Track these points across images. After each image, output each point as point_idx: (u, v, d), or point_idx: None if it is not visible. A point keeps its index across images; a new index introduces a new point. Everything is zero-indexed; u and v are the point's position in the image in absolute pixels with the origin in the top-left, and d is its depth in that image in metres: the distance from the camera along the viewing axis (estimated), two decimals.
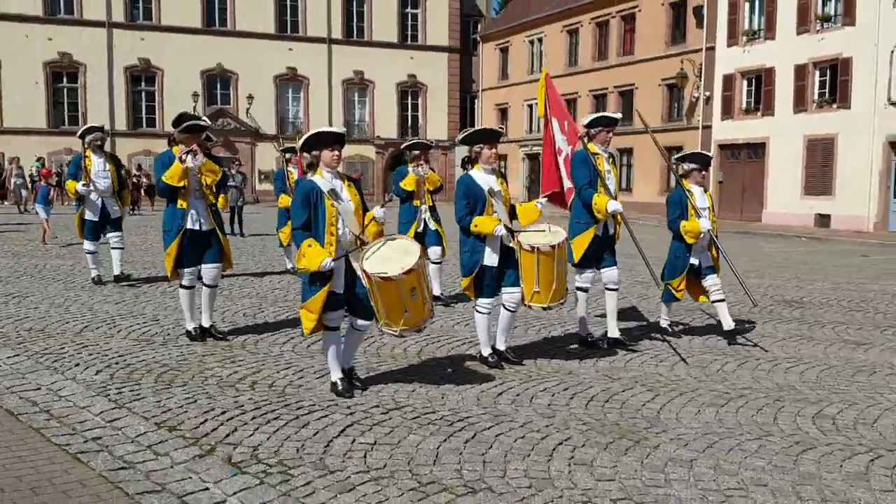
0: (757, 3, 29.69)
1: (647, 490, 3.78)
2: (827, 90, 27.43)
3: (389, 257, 5.32)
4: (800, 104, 28.03)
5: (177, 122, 7.07)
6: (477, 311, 6.42)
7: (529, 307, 6.48)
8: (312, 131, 5.56)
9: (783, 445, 4.46)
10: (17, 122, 37.81)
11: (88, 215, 10.20)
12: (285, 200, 11.13)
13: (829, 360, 6.76)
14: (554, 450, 4.30)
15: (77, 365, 5.91)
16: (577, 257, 7.00)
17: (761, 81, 29.46)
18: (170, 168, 6.89)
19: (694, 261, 7.49)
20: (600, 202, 6.77)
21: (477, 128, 6.67)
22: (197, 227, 7.06)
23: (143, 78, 40.44)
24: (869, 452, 4.38)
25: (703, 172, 7.60)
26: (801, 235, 24.40)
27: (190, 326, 7.17)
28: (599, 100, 36.88)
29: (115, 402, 4.94)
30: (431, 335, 7.33)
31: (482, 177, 6.29)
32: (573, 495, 3.69)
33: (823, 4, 27.46)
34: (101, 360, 6.11)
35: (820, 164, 27.61)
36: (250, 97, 41.56)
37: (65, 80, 39.14)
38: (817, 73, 27.67)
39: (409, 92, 45.42)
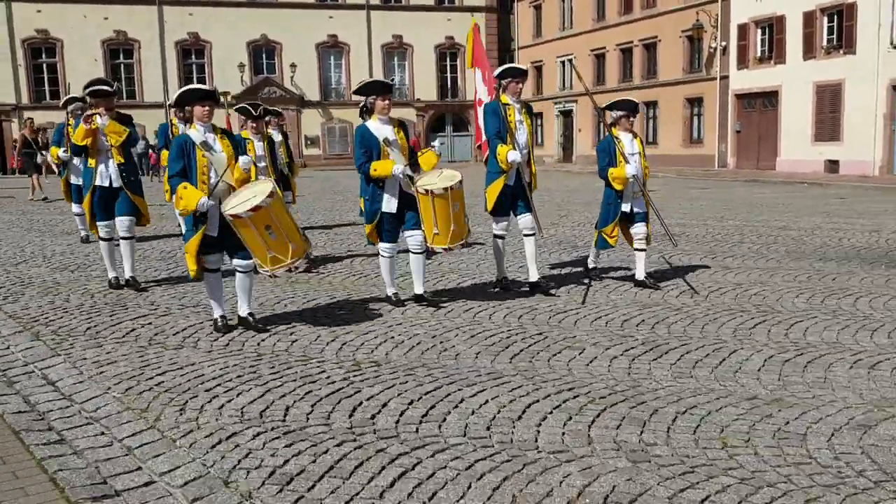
0: None
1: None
2: (834, 36, 27.57)
3: (245, 196, 5.79)
4: (809, 51, 28.24)
5: (87, 86, 7.85)
6: (381, 256, 6.94)
7: (433, 250, 6.88)
8: (183, 88, 6.14)
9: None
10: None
11: (73, 179, 10.92)
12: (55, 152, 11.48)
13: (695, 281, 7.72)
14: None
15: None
16: (489, 206, 7.29)
17: (773, 30, 29.69)
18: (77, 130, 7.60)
19: (625, 207, 7.58)
20: (501, 152, 6.97)
21: (369, 79, 6.97)
22: (106, 184, 7.74)
23: (192, 51, 42.85)
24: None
25: (631, 118, 7.65)
26: (805, 181, 24.90)
27: (111, 275, 7.95)
28: (626, 54, 37.42)
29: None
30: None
31: (378, 127, 6.62)
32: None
33: None
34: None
35: (828, 110, 27.87)
36: (293, 65, 43.52)
37: (121, 56, 41.88)
38: (825, 19, 27.81)
39: (448, 54, 46.62)
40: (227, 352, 5.54)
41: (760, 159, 30.72)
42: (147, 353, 5.51)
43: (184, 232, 6.25)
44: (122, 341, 5.83)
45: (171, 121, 11.36)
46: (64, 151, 10.83)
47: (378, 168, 6.52)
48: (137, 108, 36.25)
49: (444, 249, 6.86)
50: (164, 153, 10.68)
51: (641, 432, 3.96)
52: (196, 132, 5.98)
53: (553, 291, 7.43)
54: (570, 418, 4.17)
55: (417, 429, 4.05)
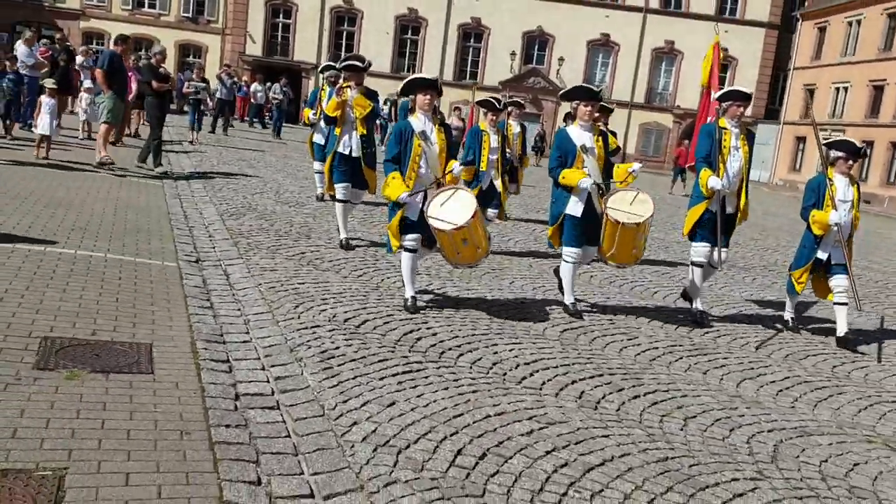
0: None
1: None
2: None
3: (451, 207, 5.96)
4: None
5: (343, 60, 8.55)
6: (564, 261, 6.75)
7: (606, 262, 6.85)
8: (410, 77, 6.30)
9: None
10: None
11: (317, 138, 11.82)
12: (307, 113, 12.27)
13: None
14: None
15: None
16: (686, 229, 7.07)
17: None
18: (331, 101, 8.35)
19: (822, 255, 7.05)
20: (703, 177, 6.72)
21: (576, 85, 6.89)
22: (346, 152, 8.33)
23: (472, 35, 45.72)
24: None
25: (850, 162, 7.07)
26: None
27: (343, 236, 8.43)
28: None
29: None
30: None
31: (577, 132, 6.56)
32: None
33: None
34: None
35: None
36: (561, 59, 44.99)
37: (409, 32, 45.73)
38: None
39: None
40: (357, 280, 7.12)
41: None
42: (301, 269, 7.24)
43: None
44: (290, 258, 7.63)
45: (322, 86, 12.06)
46: (314, 114, 11.67)
47: (567, 177, 6.45)
48: None
49: (618, 266, 6.90)
50: (306, 111, 12.03)
51: None
52: (417, 120, 6.14)
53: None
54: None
55: (455, 361, 5.33)
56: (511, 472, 3.62)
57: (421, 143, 6.07)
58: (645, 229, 6.50)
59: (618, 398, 4.85)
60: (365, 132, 8.35)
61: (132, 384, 3.96)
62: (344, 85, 8.21)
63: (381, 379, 4.64)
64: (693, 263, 7.09)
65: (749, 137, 7.03)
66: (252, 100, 30.32)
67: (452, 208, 5.95)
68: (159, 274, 6.34)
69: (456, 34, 45.41)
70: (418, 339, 5.56)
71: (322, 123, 10.71)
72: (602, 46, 45.65)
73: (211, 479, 3.13)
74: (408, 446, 3.74)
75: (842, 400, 5.46)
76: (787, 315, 7.48)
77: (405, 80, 6.25)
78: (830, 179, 7.02)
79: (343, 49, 45.02)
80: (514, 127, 10.60)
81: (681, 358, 5.98)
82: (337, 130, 8.42)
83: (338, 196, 8.50)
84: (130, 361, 4.26)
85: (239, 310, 5.72)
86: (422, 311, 6.27)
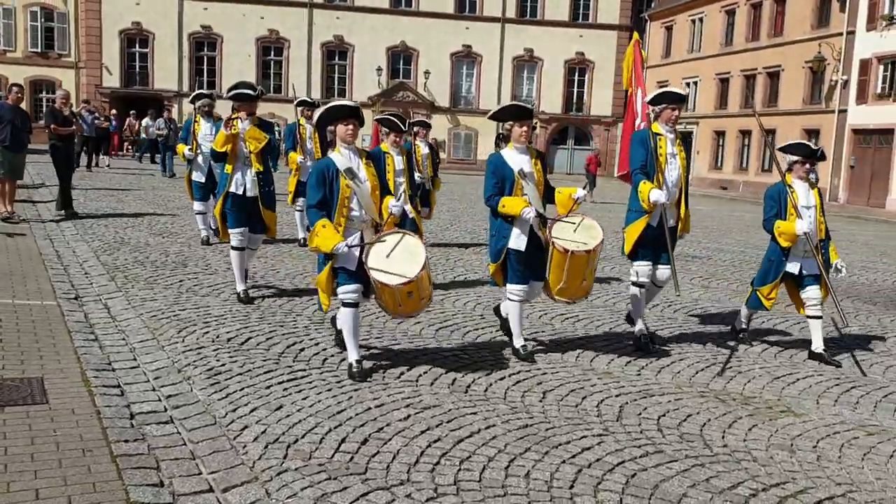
0: None
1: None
2: None
3: (398, 258, 5.14)
4: None
5: (230, 89, 7.41)
6: (509, 299, 6.03)
7: (554, 299, 6.14)
8: (325, 106, 5.38)
9: None
10: None
11: (196, 176, 10.71)
12: (293, 157, 10.78)
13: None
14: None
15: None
16: (627, 248, 6.43)
17: (895, 67, 29.23)
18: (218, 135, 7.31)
19: (793, 267, 6.58)
20: (643, 190, 6.14)
21: (508, 103, 6.17)
22: (240, 192, 7.41)
23: (336, 53, 46.06)
24: None
25: (807, 166, 6.60)
26: None
27: (240, 288, 7.46)
28: (750, 80, 37.41)
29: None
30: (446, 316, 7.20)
31: (514, 156, 5.86)
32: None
33: None
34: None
35: None
36: (427, 72, 45.95)
37: (272, 53, 45.62)
38: None
39: (577, 69, 47.74)
40: (238, 302, 7.41)
41: (871, 196, 30.28)
42: (181, 296, 7.48)
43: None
44: (168, 287, 7.84)
45: (298, 121, 10.95)
46: (189, 150, 10.63)
47: (507, 205, 5.76)
48: (283, 102, 39.68)
49: (567, 302, 6.26)
50: (292, 155, 10.70)
51: None
52: (340, 156, 5.30)
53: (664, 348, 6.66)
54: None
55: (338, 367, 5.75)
56: (390, 451, 4.10)
57: (348, 182, 5.22)
58: (595, 258, 5.92)
59: (486, 381, 5.41)
60: (262, 168, 7.49)
61: (29, 414, 4.20)
62: (234, 116, 7.38)
63: (268, 387, 5.01)
64: (635, 284, 6.50)
65: (684, 141, 6.59)
66: (144, 134, 29.96)
67: (399, 259, 5.15)
68: (40, 313, 6.47)
69: (320, 53, 45.62)
70: (301, 350, 5.95)
71: (200, 160, 10.52)
72: (465, 58, 46.89)
73: (117, 486, 3.46)
74: (296, 441, 4.15)
75: (682, 365, 6.22)
76: (740, 325, 7.13)
77: (322, 109, 5.41)
78: (790, 186, 6.57)
79: (205, 75, 44.53)
80: (423, 148, 10.02)
81: (543, 343, 6.62)
82: (228, 168, 7.47)
83: (232, 243, 7.54)
84: (24, 395, 4.48)
85: (124, 339, 5.95)
86: (304, 326, 6.66)
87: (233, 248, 7.56)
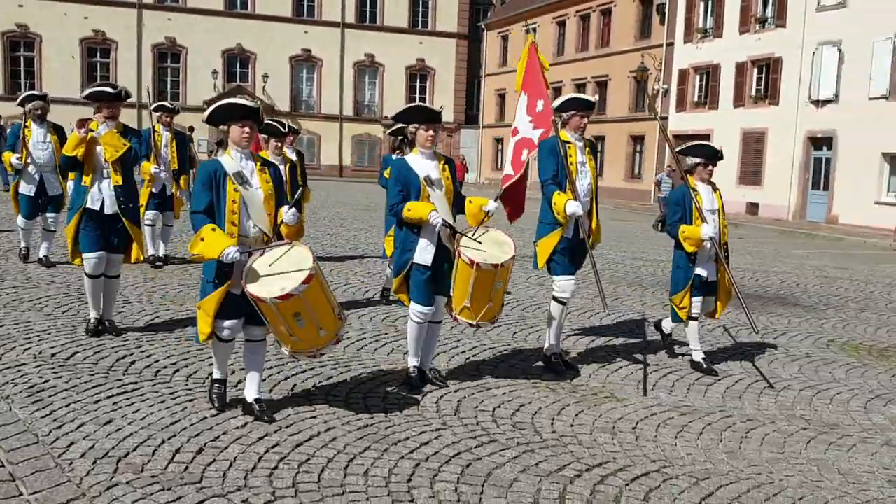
0: (710, 1, 31.76)
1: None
2: (762, 87, 29.49)
3: (280, 268, 4.52)
4: (738, 99, 30.14)
5: (89, 88, 6.53)
6: (411, 319, 5.52)
7: (456, 319, 5.68)
8: (219, 102, 4.80)
9: None
10: (55, 92, 42.06)
11: (24, 188, 9.44)
12: (146, 167, 9.48)
13: None
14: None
15: None
16: (540, 263, 6.13)
17: (709, 77, 31.63)
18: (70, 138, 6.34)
19: (703, 272, 6.42)
20: (559, 202, 5.85)
21: (412, 104, 5.73)
22: (97, 208, 6.41)
23: (168, 55, 44.36)
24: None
25: (710, 167, 6.44)
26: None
27: (92, 316, 6.55)
28: (580, 89, 39.16)
29: None
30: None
31: (419, 161, 5.47)
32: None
33: (764, 6, 29.45)
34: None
35: (752, 156, 29.73)
36: (265, 76, 45.12)
37: (98, 55, 43.31)
38: (755, 70, 29.74)
39: (418, 75, 48.38)
40: (62, 316, 7.03)
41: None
42: None
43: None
44: None
45: (154, 126, 9.96)
46: (18, 158, 9.40)
47: (413, 209, 5.32)
48: None
49: (470, 324, 5.66)
50: (145, 164, 9.38)
51: None
52: (230, 160, 4.75)
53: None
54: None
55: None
56: (227, 458, 4.04)
57: (237, 187, 4.67)
58: (505, 276, 5.50)
59: (327, 385, 5.43)
60: (121, 181, 6.45)
61: None
62: (89, 118, 6.40)
63: (96, 402, 4.81)
64: (556, 300, 6.13)
65: (593, 149, 6.28)
66: None
67: (280, 268, 4.52)
68: None
69: (150, 54, 43.81)
70: (132, 362, 5.73)
71: (31, 170, 9.31)
72: (305, 62, 46.43)
73: None
74: (127, 454, 4.02)
75: (516, 359, 6.49)
76: (667, 329, 6.93)
77: (213, 107, 4.75)
78: (693, 189, 6.36)
79: (23, 76, 41.70)
80: (291, 154, 9.27)
81: (385, 344, 6.71)
82: (86, 180, 6.43)
83: (87, 270, 6.46)
84: None
85: None
86: (135, 339, 6.41)
87: (86, 274, 6.49)
